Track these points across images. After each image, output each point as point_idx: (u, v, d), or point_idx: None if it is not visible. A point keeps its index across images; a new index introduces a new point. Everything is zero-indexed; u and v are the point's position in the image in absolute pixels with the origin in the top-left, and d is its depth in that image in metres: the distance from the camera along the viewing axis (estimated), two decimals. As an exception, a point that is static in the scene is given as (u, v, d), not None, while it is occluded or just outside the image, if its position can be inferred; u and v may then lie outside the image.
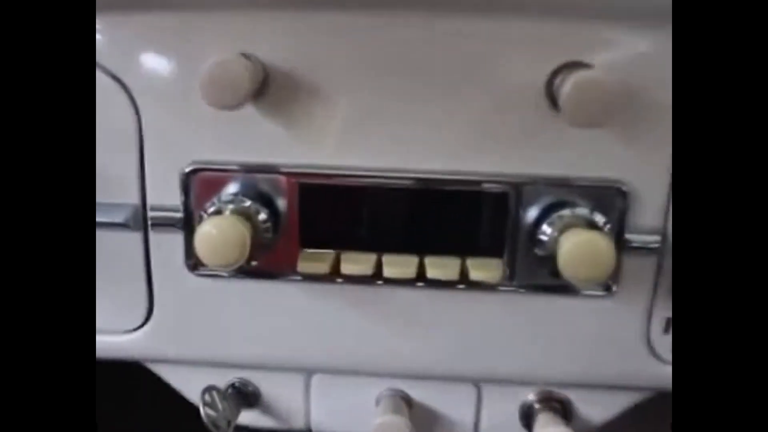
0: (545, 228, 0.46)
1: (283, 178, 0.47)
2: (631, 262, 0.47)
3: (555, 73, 0.45)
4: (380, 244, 0.48)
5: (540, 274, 0.47)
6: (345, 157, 0.47)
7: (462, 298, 0.49)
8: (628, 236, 0.47)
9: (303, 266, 0.48)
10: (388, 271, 0.47)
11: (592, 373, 0.50)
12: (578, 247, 0.43)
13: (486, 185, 0.46)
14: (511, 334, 0.50)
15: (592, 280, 0.44)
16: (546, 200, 0.47)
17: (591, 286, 0.48)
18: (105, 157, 0.47)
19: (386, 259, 0.48)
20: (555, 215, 0.46)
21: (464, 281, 0.48)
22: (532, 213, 0.47)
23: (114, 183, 0.48)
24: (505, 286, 0.48)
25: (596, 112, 0.42)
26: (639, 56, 0.45)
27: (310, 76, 0.46)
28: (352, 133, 0.46)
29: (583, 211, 0.46)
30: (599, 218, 0.46)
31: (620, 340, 0.49)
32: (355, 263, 0.47)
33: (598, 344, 0.49)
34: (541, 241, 0.47)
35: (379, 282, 0.48)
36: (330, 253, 0.48)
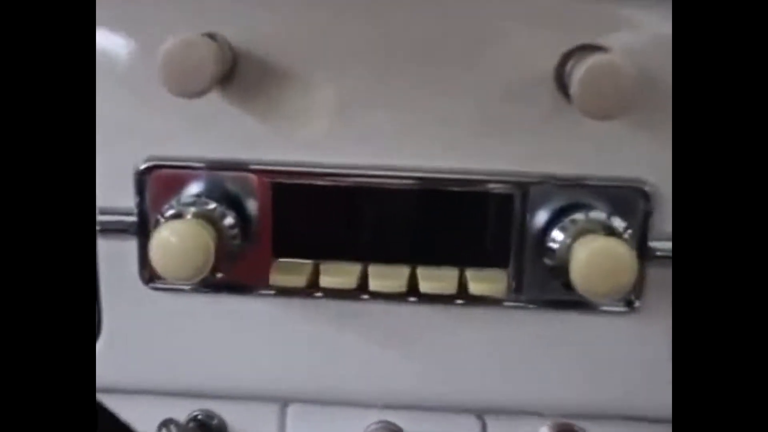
0: (556, 234, 0.42)
1: (253, 177, 0.43)
2: (655, 274, 0.43)
3: (566, 57, 0.41)
4: (365, 253, 0.44)
5: (551, 288, 0.43)
6: (325, 154, 0.43)
7: (461, 316, 0.45)
8: (651, 244, 0.43)
9: (276, 278, 0.44)
10: (374, 284, 0.43)
11: (613, 402, 0.46)
12: (594, 255, 0.39)
13: (489, 185, 0.43)
14: (518, 357, 0.45)
15: (610, 293, 0.40)
16: (557, 202, 0.43)
17: (609, 300, 0.43)
18: None
19: (372, 270, 0.44)
20: (567, 219, 0.42)
21: (463, 296, 0.44)
22: (541, 217, 0.43)
23: None
24: (511, 301, 0.44)
25: (612, 102, 0.38)
26: (662, 38, 0.41)
27: (285, 59, 0.42)
28: (333, 126, 0.43)
29: (599, 214, 0.42)
30: (618, 223, 0.42)
31: (645, 363, 0.45)
32: (337, 275, 0.43)
33: (620, 368, 0.45)
34: (551, 250, 0.42)
35: (365, 297, 0.44)
36: (307, 263, 0.44)
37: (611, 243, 0.40)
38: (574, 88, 0.38)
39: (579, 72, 0.38)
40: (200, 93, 0.39)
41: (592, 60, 0.38)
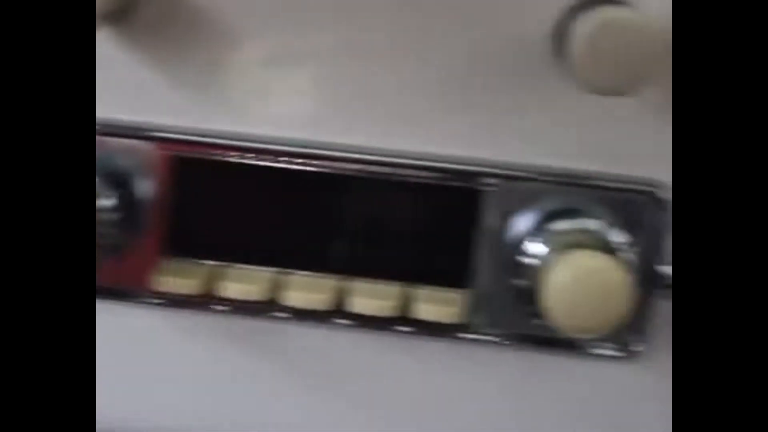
0: (533, 246, 0.33)
1: (148, 146, 0.35)
2: (665, 308, 0.34)
3: (573, 11, 0.31)
4: (282, 256, 0.35)
5: (525, 319, 0.34)
6: (245, 120, 0.35)
7: (407, 346, 0.35)
8: (661, 268, 0.33)
9: (162, 282, 0.35)
10: (290, 297, 0.34)
11: None
12: (577, 277, 0.30)
13: (449, 177, 0.34)
14: (482, 407, 0.36)
15: (589, 330, 0.31)
16: (541, 205, 0.33)
17: (589, 338, 0.34)
18: None
19: (289, 279, 0.35)
20: (551, 228, 0.33)
21: (408, 320, 0.34)
22: (519, 222, 0.34)
23: None
24: (474, 332, 0.35)
25: (624, 71, 0.29)
26: None
27: None
28: (259, 85, 0.34)
29: (594, 224, 0.33)
30: (617, 237, 0.33)
31: (646, 422, 0.35)
32: (242, 282, 0.35)
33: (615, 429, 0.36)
34: (524, 266, 0.33)
35: (279, 314, 0.35)
36: (204, 265, 0.35)
37: (602, 262, 0.30)
38: (574, 48, 0.29)
39: (584, 28, 0.29)
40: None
41: (605, 14, 0.29)
